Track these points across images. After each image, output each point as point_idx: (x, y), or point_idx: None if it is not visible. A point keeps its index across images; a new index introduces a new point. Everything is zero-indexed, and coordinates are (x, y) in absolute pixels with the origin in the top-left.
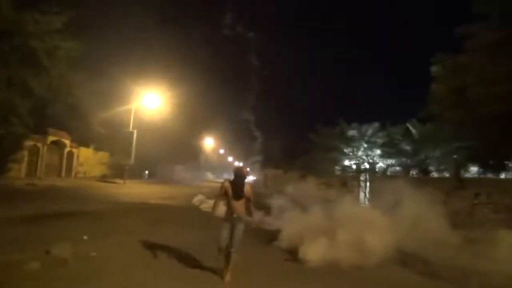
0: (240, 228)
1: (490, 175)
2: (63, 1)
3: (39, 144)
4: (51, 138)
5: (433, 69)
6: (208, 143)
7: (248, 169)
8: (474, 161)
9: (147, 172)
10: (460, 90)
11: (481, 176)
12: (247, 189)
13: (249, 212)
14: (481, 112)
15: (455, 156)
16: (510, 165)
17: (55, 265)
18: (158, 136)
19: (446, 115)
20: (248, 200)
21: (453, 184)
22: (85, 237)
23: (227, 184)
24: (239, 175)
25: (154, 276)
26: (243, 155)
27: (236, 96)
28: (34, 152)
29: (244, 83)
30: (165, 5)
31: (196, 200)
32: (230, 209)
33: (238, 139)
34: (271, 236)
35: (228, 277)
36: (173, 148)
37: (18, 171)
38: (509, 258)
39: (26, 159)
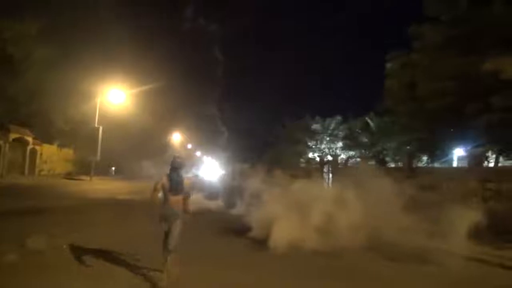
0: (176, 225)
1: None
2: (35, 8)
3: (1, 142)
4: (13, 136)
5: (387, 66)
6: (176, 138)
7: (192, 159)
8: (423, 151)
9: (113, 168)
10: (410, 86)
11: (430, 165)
12: (186, 183)
13: (186, 209)
14: (428, 106)
15: (407, 147)
16: (453, 155)
17: (31, 256)
18: (124, 132)
19: (399, 108)
20: (186, 196)
21: (405, 173)
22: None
23: (164, 178)
24: (176, 167)
25: (116, 263)
26: (211, 150)
27: (202, 91)
28: None
29: (211, 77)
30: (137, 3)
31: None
32: (166, 205)
33: (205, 134)
34: (241, 225)
35: (164, 283)
36: (139, 144)
37: None
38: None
39: None
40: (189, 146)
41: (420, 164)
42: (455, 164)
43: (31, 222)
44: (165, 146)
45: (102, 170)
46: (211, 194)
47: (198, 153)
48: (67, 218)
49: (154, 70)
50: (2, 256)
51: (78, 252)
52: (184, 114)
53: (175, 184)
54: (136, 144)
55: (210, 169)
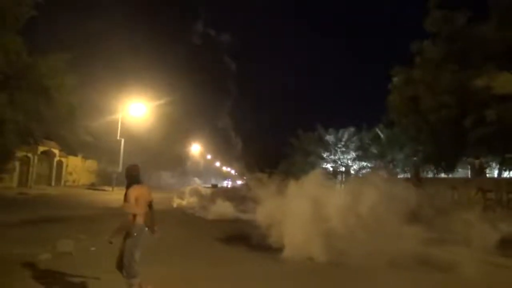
0: (126, 244)
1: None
2: (63, 43)
3: (30, 154)
4: (41, 148)
5: (393, 80)
6: (195, 149)
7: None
8: (428, 162)
9: None
10: (412, 99)
11: (436, 176)
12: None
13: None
14: (430, 118)
15: (414, 158)
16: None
17: (61, 256)
18: (143, 143)
19: (402, 121)
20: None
21: (413, 183)
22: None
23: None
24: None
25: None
26: (230, 160)
27: (220, 103)
28: (25, 162)
29: (229, 90)
30: (149, 20)
31: (174, 202)
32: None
33: (222, 145)
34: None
35: None
36: (159, 155)
37: (10, 181)
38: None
39: (17, 169)
40: (208, 156)
41: (428, 175)
42: (460, 174)
43: (60, 228)
44: (184, 157)
45: (123, 181)
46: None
47: (217, 163)
48: (92, 225)
49: (170, 84)
50: (37, 256)
51: (103, 253)
52: (200, 126)
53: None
54: (155, 155)
55: (227, 179)
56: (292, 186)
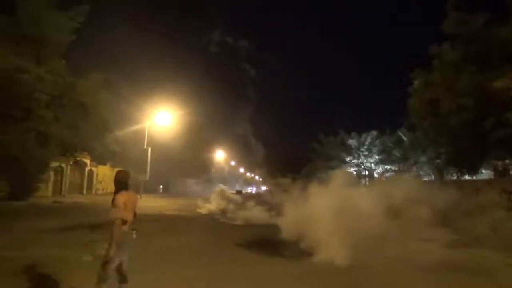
0: (108, 248)
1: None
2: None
3: (63, 165)
4: (73, 159)
5: (414, 83)
6: (219, 156)
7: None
8: (451, 165)
9: (161, 186)
10: (432, 102)
11: (459, 178)
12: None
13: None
14: (451, 121)
15: (437, 161)
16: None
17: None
18: (169, 152)
19: (423, 124)
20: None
21: (436, 186)
22: (134, 236)
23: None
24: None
25: (172, 264)
26: (253, 166)
27: (242, 110)
28: (59, 172)
29: (249, 97)
30: (170, 33)
31: (202, 208)
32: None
33: (247, 151)
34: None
35: None
36: (184, 163)
37: (45, 190)
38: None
39: (52, 178)
40: (232, 163)
41: (452, 177)
42: (484, 176)
43: (97, 233)
44: (208, 164)
45: (151, 188)
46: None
47: (241, 170)
48: None
49: (193, 93)
50: (80, 258)
51: (138, 256)
52: (223, 133)
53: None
54: (180, 163)
55: (251, 185)
56: (317, 189)
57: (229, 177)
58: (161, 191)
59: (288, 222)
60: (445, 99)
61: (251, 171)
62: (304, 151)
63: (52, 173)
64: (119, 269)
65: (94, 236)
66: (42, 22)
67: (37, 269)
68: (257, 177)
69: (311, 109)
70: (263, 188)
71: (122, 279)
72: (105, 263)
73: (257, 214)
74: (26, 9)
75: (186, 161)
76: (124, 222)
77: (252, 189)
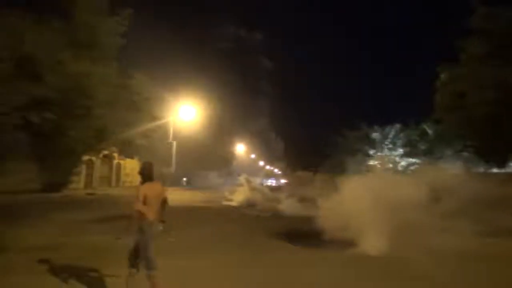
0: (140, 240)
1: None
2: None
3: (94, 158)
4: (103, 152)
5: (441, 76)
6: (240, 149)
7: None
8: (478, 158)
9: (185, 179)
10: (459, 95)
11: (487, 171)
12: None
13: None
14: (477, 114)
15: (465, 154)
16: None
17: None
18: (192, 145)
19: (449, 117)
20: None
21: (462, 179)
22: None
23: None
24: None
25: (214, 251)
26: (272, 159)
27: (263, 102)
28: (90, 165)
29: (269, 91)
30: (192, 30)
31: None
32: None
33: (266, 144)
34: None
35: None
36: (206, 156)
37: (78, 183)
38: None
39: (84, 172)
40: (252, 156)
41: (479, 170)
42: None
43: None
44: (230, 157)
45: (175, 181)
46: None
47: (260, 163)
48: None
49: (215, 87)
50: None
51: (182, 243)
52: (244, 126)
53: None
54: (202, 156)
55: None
56: (355, 180)
57: (250, 170)
58: (184, 184)
59: (325, 213)
60: (472, 93)
61: (271, 164)
62: (325, 145)
63: (84, 166)
64: (136, 256)
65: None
66: (96, 28)
67: (94, 253)
68: (276, 170)
69: (330, 103)
70: (282, 181)
71: (136, 264)
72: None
73: (289, 205)
74: (82, 16)
75: (208, 154)
76: (144, 211)
77: (272, 182)
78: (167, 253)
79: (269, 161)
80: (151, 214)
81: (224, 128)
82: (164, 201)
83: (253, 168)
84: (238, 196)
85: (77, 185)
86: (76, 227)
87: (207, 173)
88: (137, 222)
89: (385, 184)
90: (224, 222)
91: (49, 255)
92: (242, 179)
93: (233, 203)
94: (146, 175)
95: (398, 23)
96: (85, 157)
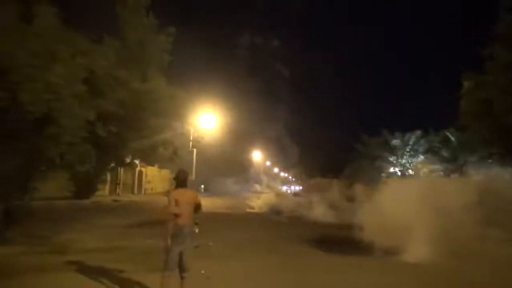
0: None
1: None
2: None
3: (118, 166)
4: (126, 160)
5: (465, 84)
6: (256, 156)
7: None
8: (503, 165)
9: (202, 186)
10: (485, 102)
11: None
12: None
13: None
14: (503, 121)
15: (490, 161)
16: None
17: None
18: (211, 152)
19: (474, 124)
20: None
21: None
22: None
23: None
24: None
25: (248, 254)
26: (287, 166)
27: (280, 108)
28: (114, 173)
29: (283, 97)
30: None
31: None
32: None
33: (281, 151)
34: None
35: None
36: (224, 163)
37: (103, 190)
38: None
39: (109, 179)
40: (268, 163)
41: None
42: None
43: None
44: (247, 164)
45: (193, 188)
46: None
47: (275, 169)
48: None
49: (232, 95)
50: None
51: (220, 246)
52: (260, 134)
53: None
54: (219, 163)
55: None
56: (393, 186)
57: (266, 177)
58: (202, 190)
59: (364, 220)
60: (498, 100)
61: (286, 170)
62: (344, 151)
63: (108, 174)
64: (177, 259)
65: (154, 231)
66: (147, 45)
67: (145, 255)
68: (290, 177)
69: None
70: (297, 187)
71: (182, 268)
72: (165, 253)
73: (316, 212)
74: (133, 34)
75: (226, 161)
76: (176, 215)
77: (288, 188)
78: (201, 256)
79: (284, 168)
80: (181, 219)
81: (242, 135)
82: (198, 207)
83: (268, 175)
84: (263, 202)
85: (102, 192)
86: (118, 232)
87: (224, 179)
88: (172, 226)
89: (431, 189)
90: (252, 228)
91: (109, 256)
92: (264, 185)
93: (256, 210)
94: (180, 181)
95: (423, 29)
96: (110, 165)
